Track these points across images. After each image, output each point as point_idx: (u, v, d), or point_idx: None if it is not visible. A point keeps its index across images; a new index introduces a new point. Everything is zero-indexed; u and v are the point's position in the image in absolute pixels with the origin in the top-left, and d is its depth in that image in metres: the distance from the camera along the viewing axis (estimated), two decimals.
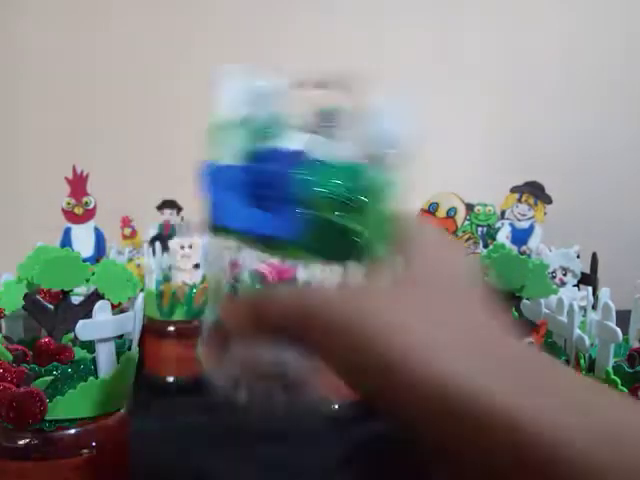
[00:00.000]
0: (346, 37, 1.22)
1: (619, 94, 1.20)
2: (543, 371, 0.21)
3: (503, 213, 0.83)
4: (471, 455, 0.20)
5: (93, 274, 0.40)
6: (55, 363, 0.37)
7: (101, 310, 0.38)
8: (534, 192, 0.74)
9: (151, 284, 0.68)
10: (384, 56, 1.23)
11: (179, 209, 0.98)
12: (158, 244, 0.77)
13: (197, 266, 0.69)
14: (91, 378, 0.37)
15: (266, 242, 0.25)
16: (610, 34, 1.20)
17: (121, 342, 0.41)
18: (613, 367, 0.38)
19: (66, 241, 0.65)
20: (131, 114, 1.24)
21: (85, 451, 0.38)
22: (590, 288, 0.56)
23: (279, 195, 0.24)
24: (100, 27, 1.22)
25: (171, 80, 1.23)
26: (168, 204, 0.96)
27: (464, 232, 0.61)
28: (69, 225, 0.65)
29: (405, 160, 0.25)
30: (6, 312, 0.39)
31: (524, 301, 0.48)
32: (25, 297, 0.40)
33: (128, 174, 1.22)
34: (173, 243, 0.70)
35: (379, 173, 0.25)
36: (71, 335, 0.41)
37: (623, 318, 0.43)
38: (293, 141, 0.25)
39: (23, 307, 0.40)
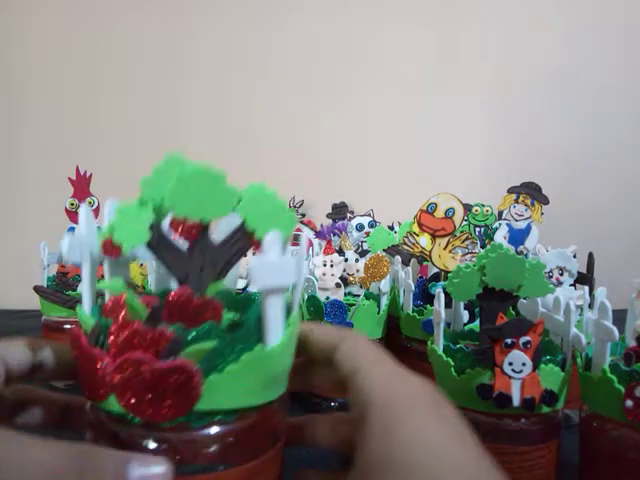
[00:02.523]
0: (346, 37, 1.23)
1: (618, 95, 1.21)
2: None
3: (500, 213, 0.84)
4: None
5: (239, 201, 0.28)
6: (211, 323, 0.26)
7: (273, 245, 0.27)
8: (531, 193, 0.74)
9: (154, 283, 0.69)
10: (384, 56, 1.24)
11: None
12: None
13: None
14: (259, 346, 0.26)
15: None
16: (610, 34, 1.20)
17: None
18: (609, 365, 0.39)
19: None
20: (134, 115, 1.24)
21: (222, 467, 0.26)
22: (586, 287, 0.56)
23: None
24: (103, 27, 1.23)
25: (174, 81, 1.24)
26: None
27: (462, 232, 0.62)
28: (72, 225, 0.65)
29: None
30: (124, 250, 0.26)
31: (521, 300, 0.48)
32: (152, 229, 0.27)
33: (131, 174, 1.22)
34: None
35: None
36: (220, 284, 0.29)
37: (619, 317, 0.44)
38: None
39: (148, 244, 0.27)
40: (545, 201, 0.74)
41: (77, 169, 0.66)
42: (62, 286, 0.67)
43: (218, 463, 0.25)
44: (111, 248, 0.26)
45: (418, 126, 1.24)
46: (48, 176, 1.04)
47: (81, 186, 0.65)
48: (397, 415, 0.24)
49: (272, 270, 0.26)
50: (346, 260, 0.69)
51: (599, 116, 1.21)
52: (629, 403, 0.36)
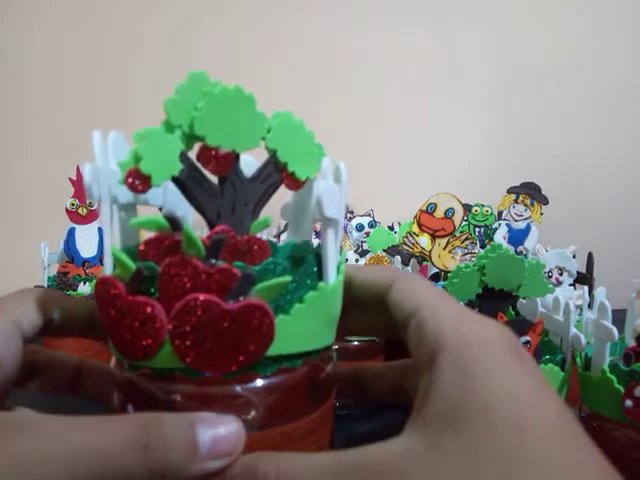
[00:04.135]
0: (346, 37, 1.23)
1: (618, 94, 1.21)
2: None
3: (500, 214, 0.84)
4: None
5: (268, 131, 0.24)
6: (273, 260, 0.22)
7: (329, 172, 0.25)
8: (530, 193, 0.74)
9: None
10: (384, 56, 1.23)
11: None
12: None
13: None
14: (321, 284, 0.23)
15: None
16: (610, 34, 1.20)
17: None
18: (609, 365, 0.39)
19: (70, 241, 0.65)
20: (134, 114, 1.23)
21: (286, 419, 0.22)
22: (586, 287, 0.56)
23: None
24: (103, 27, 1.23)
25: (174, 80, 1.24)
26: None
27: (462, 232, 0.62)
28: (73, 225, 0.65)
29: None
30: (154, 182, 0.22)
31: (521, 300, 0.48)
32: (182, 158, 0.23)
33: None
34: None
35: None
36: (269, 219, 0.26)
37: (618, 317, 0.44)
38: None
39: (177, 178, 0.23)
40: (545, 201, 0.74)
41: (77, 169, 0.65)
42: (62, 286, 0.67)
43: (284, 415, 0.22)
44: (137, 180, 0.21)
45: (418, 126, 1.24)
46: (48, 176, 1.04)
47: (81, 186, 0.65)
48: (472, 360, 0.20)
49: (335, 198, 0.23)
50: (346, 260, 0.69)
51: (599, 116, 1.21)
52: (629, 403, 0.36)
